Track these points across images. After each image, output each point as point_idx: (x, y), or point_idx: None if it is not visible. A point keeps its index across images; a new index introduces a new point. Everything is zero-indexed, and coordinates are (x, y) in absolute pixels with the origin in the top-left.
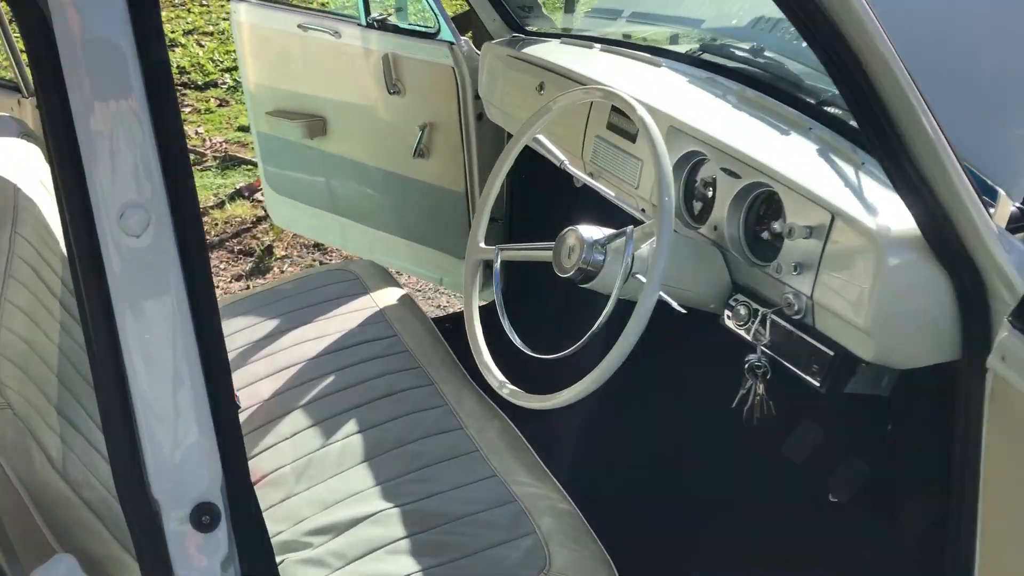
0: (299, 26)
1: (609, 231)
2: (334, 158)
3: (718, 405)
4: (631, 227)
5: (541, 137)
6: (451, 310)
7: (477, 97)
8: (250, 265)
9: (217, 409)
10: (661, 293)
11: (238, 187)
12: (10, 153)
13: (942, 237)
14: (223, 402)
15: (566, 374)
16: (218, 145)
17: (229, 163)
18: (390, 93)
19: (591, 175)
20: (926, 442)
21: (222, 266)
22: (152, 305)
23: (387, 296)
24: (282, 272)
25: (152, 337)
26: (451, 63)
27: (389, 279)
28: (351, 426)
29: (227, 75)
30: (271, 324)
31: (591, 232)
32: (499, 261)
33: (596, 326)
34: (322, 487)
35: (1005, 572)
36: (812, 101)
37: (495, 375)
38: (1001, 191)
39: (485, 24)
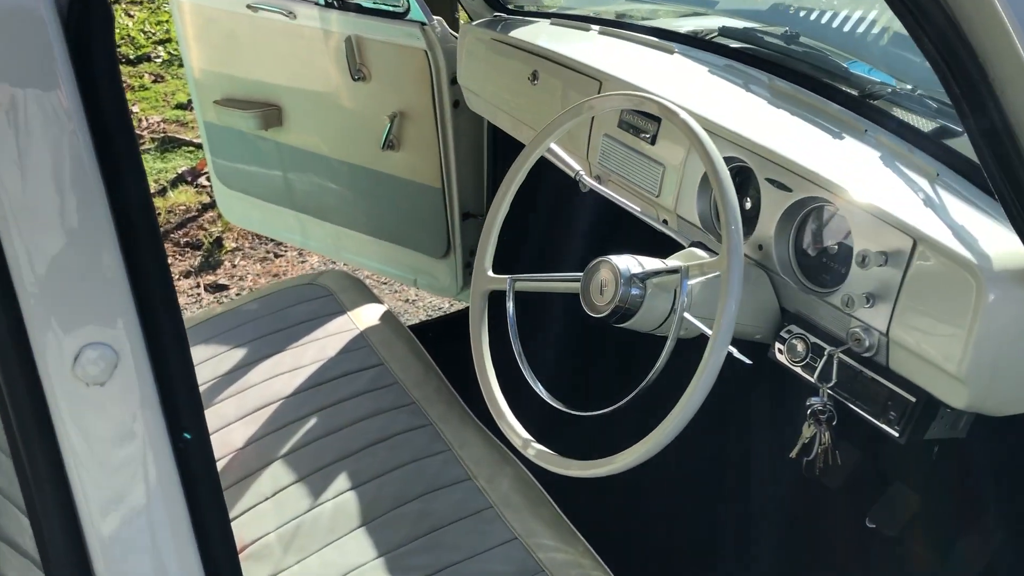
0: (248, 6)
1: (649, 262)
2: (292, 150)
3: (774, 452)
4: (684, 265)
5: (553, 145)
6: (421, 304)
7: (453, 83)
8: (199, 259)
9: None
10: (708, 330)
11: (180, 171)
12: None
13: None
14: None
15: (589, 424)
16: (156, 125)
17: (169, 145)
18: (354, 79)
19: (598, 179)
20: (992, 474)
21: (169, 261)
22: (118, 467)
23: (367, 314)
24: (233, 267)
25: (125, 513)
26: (423, 46)
27: (366, 292)
28: (342, 481)
29: (160, 48)
30: (237, 354)
31: (627, 263)
32: (513, 292)
33: (652, 373)
34: (315, 560)
35: None
36: (856, 94)
37: (518, 433)
38: None
39: (462, 2)
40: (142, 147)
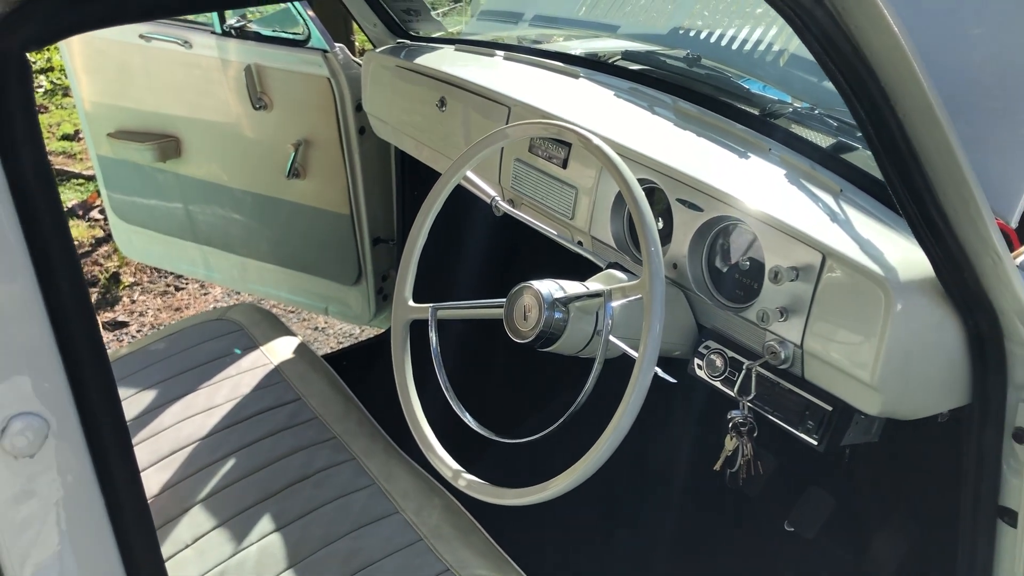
0: (141, 36)
1: (571, 287)
2: (193, 182)
3: (694, 466)
4: (607, 289)
5: (470, 174)
6: (331, 331)
7: (359, 110)
8: (96, 296)
9: None
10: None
11: (70, 205)
12: None
13: (960, 278)
14: None
15: (524, 448)
16: None
17: (57, 178)
18: (255, 108)
19: (511, 202)
20: (902, 474)
21: None
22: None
23: (280, 348)
24: (133, 302)
25: None
26: (326, 73)
27: (278, 325)
28: (266, 522)
29: (42, 76)
30: (147, 397)
31: (548, 288)
32: (435, 322)
33: (580, 399)
34: None
35: None
36: (757, 113)
37: (448, 465)
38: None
39: (364, 30)
40: None
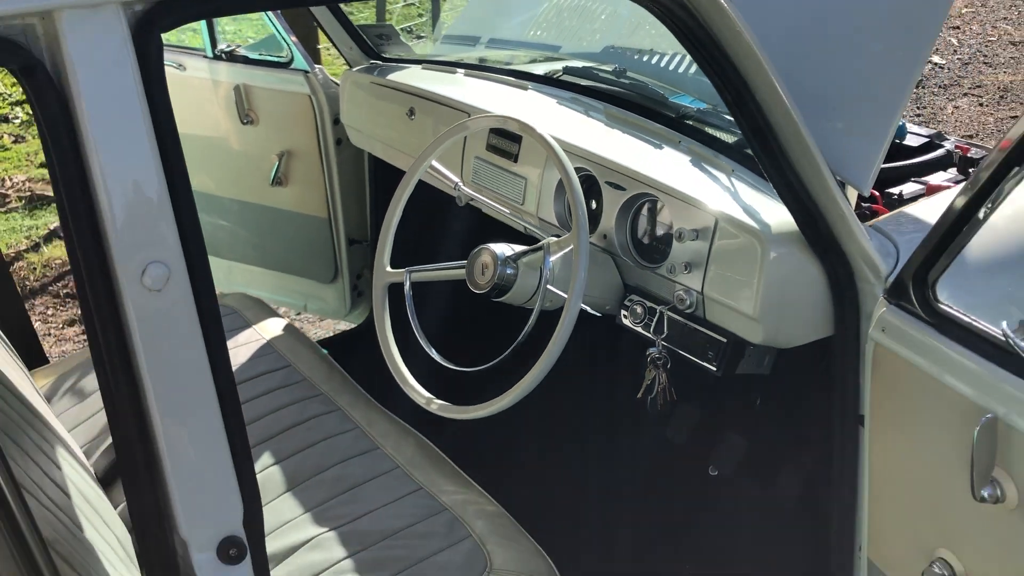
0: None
1: (519, 247)
2: None
3: (622, 398)
4: (547, 241)
5: (435, 163)
6: (321, 334)
7: (336, 123)
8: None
9: (235, 451)
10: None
11: (52, 227)
12: None
13: (816, 230)
14: (239, 444)
15: (480, 386)
16: (21, 184)
17: (37, 203)
18: (243, 123)
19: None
20: (797, 412)
21: (50, 312)
22: (172, 356)
23: (271, 327)
24: None
25: (173, 378)
26: (307, 91)
27: (267, 309)
28: (266, 459)
29: (18, 108)
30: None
31: (502, 249)
32: (409, 282)
33: (522, 335)
34: None
35: (889, 510)
36: (673, 115)
37: (420, 393)
38: (848, 187)
39: (341, 52)
40: (8, 206)
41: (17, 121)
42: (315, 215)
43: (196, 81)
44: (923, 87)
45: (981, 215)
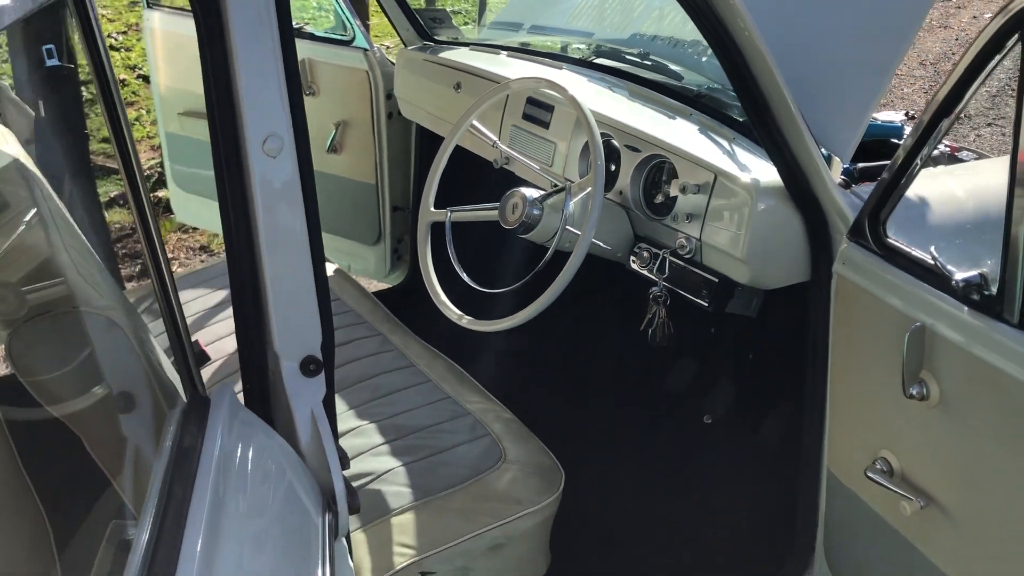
0: None
1: (546, 191)
2: None
3: (629, 331)
4: (569, 183)
5: (475, 123)
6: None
7: (389, 98)
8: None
9: (319, 291)
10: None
11: (112, 195)
12: None
13: (798, 186)
14: (322, 287)
15: (502, 312)
16: None
17: (98, 173)
18: (305, 94)
19: (507, 159)
20: (781, 365)
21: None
22: (279, 207)
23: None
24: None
25: (278, 224)
26: (365, 67)
27: None
28: None
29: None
30: (222, 293)
31: (531, 192)
32: (449, 220)
33: (540, 265)
34: None
35: (843, 423)
36: (690, 95)
37: (453, 311)
38: (834, 156)
39: (399, 32)
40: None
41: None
42: (364, 181)
43: None
44: None
45: (918, 163)
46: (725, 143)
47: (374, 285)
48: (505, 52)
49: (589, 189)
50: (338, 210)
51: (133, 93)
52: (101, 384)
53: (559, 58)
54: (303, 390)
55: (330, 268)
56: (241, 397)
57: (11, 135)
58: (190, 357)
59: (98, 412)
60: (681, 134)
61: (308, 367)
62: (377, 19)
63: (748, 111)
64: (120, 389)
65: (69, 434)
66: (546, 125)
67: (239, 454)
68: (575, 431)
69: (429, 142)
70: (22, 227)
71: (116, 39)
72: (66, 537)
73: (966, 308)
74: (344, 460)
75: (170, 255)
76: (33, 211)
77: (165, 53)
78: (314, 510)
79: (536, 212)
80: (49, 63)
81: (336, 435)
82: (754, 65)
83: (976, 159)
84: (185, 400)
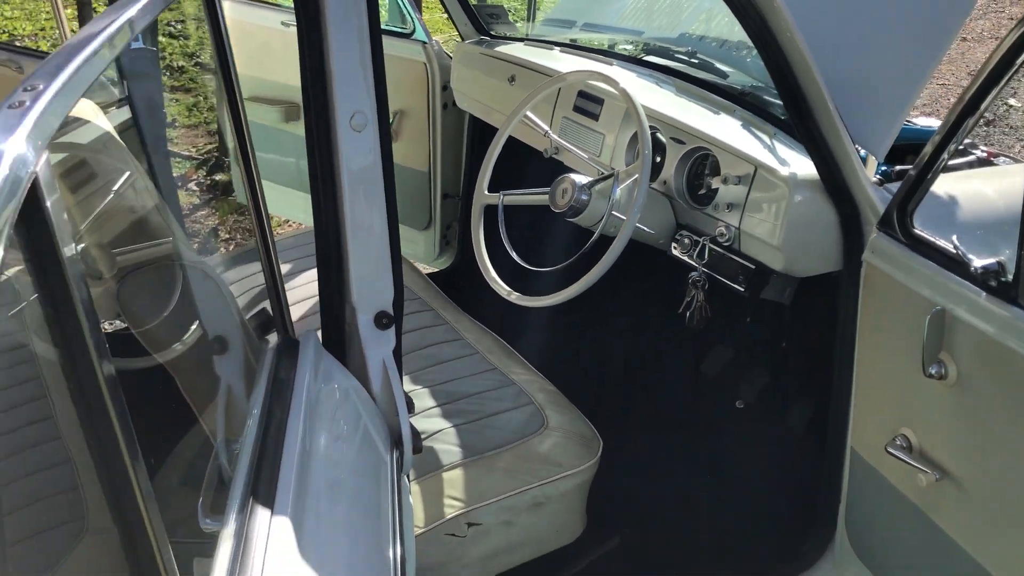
0: (282, 23)
1: (594, 178)
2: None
3: (666, 317)
4: (617, 171)
5: (529, 113)
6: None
7: (444, 89)
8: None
9: (393, 253)
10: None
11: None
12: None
13: (833, 181)
14: (395, 249)
15: (545, 291)
16: None
17: None
18: None
19: (556, 149)
20: (811, 354)
21: None
22: (361, 174)
23: None
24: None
25: (360, 194)
26: (423, 59)
27: None
28: None
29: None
30: (286, 266)
31: (580, 178)
32: (502, 204)
33: (587, 246)
34: None
35: (868, 403)
36: (734, 93)
37: (503, 287)
38: (870, 155)
39: (457, 26)
40: None
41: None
42: (418, 169)
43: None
44: (994, 125)
45: (944, 158)
46: (766, 138)
47: (422, 269)
48: (558, 48)
49: (636, 176)
50: None
51: (191, 80)
52: (198, 328)
53: (610, 55)
54: (376, 341)
55: None
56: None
57: (99, 110)
58: (284, 303)
59: (195, 354)
60: (725, 129)
61: (381, 320)
62: (427, 15)
63: (789, 109)
64: (215, 334)
65: (167, 375)
66: (595, 117)
67: (324, 388)
68: (610, 407)
69: (481, 132)
70: (124, 190)
71: (175, 27)
72: (178, 462)
73: (984, 293)
74: (410, 405)
75: (227, 236)
76: (129, 175)
77: (235, 40)
78: (383, 446)
79: (584, 197)
80: (135, 45)
81: (402, 383)
82: (795, 66)
83: (1010, 164)
84: (279, 340)
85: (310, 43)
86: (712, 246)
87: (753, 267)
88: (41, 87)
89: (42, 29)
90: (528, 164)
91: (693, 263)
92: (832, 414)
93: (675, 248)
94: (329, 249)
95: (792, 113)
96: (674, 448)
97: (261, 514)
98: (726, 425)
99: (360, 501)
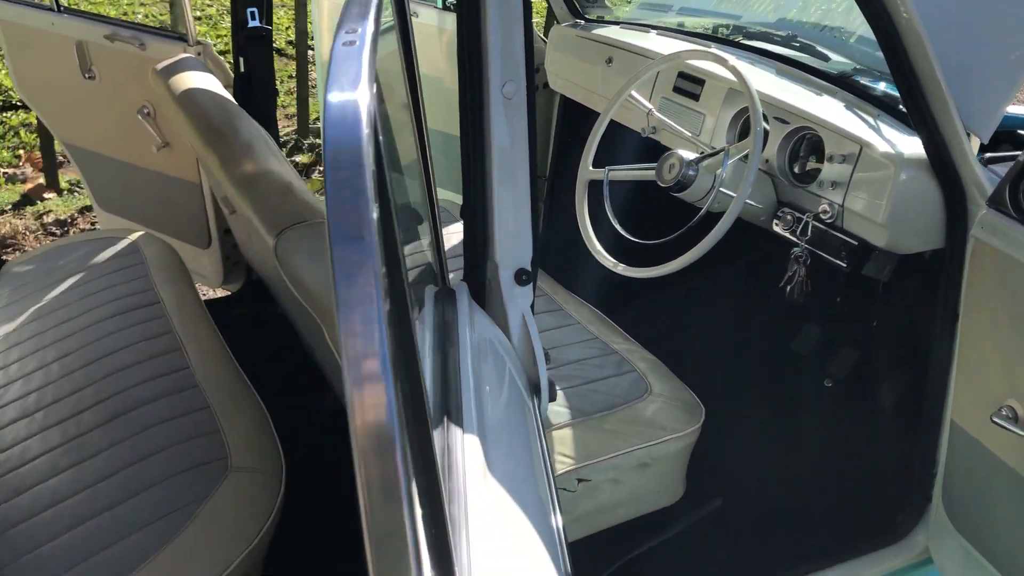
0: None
1: (702, 154)
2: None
3: (760, 294)
4: (727, 146)
5: (633, 92)
6: None
7: (536, 71)
8: None
9: (533, 215)
10: (732, 194)
11: None
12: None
13: (940, 159)
14: (535, 201)
15: (651, 254)
16: None
17: None
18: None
19: (654, 129)
20: (904, 333)
21: None
22: (509, 140)
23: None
24: None
25: (507, 157)
26: None
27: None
28: None
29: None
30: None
31: (688, 153)
32: (607, 179)
33: (693, 220)
34: None
35: (970, 374)
36: (834, 75)
37: (608, 259)
38: (973, 135)
39: (554, 9)
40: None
41: None
42: None
43: (425, 28)
44: None
45: None
46: (870, 119)
47: None
48: (655, 31)
49: (746, 151)
50: None
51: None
52: None
53: (708, 38)
54: (516, 295)
55: None
56: None
57: (216, 81)
58: (443, 255)
59: None
60: (829, 109)
61: (520, 277)
62: None
63: (900, 88)
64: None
65: (316, 325)
66: (696, 97)
67: (478, 333)
68: (704, 380)
69: (572, 114)
70: (262, 152)
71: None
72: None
73: None
74: (548, 356)
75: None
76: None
77: (329, 23)
78: (525, 392)
79: (691, 173)
80: (252, 24)
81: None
82: (911, 47)
83: None
84: (439, 288)
85: (469, 18)
86: (815, 223)
87: (856, 243)
88: (359, 30)
89: (124, 14)
90: (616, 143)
91: (796, 239)
92: (930, 387)
93: (777, 224)
94: (475, 208)
95: (903, 92)
96: (766, 421)
97: (454, 431)
98: (816, 402)
99: (520, 436)
